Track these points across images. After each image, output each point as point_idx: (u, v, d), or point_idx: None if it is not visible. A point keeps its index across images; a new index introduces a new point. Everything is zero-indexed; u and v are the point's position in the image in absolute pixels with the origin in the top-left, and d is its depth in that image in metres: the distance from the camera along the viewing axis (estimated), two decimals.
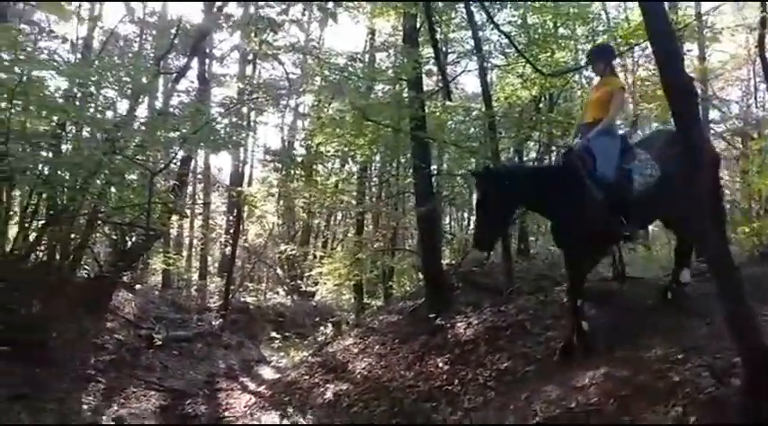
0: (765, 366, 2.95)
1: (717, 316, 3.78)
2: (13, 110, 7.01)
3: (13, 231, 7.89)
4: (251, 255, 15.51)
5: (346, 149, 10.42)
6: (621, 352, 4.28)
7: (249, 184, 15.67)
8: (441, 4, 8.53)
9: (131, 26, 11.41)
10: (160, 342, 8.90)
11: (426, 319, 6.77)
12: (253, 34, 7.61)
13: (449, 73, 9.61)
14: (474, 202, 4.82)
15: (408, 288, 10.63)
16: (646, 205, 4.65)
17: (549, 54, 8.14)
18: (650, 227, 7.58)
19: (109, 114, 8.72)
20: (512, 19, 9.06)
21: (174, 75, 11.05)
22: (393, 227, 12.61)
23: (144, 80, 8.55)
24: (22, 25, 8.22)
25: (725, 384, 3.34)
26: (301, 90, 12.51)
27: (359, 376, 6.45)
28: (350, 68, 7.93)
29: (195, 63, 11.53)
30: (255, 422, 6.25)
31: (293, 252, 14.71)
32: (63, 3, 5.31)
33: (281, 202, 15.32)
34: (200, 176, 17.25)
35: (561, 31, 8.86)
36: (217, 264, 16.67)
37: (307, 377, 7.06)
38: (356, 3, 8.86)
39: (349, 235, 15.73)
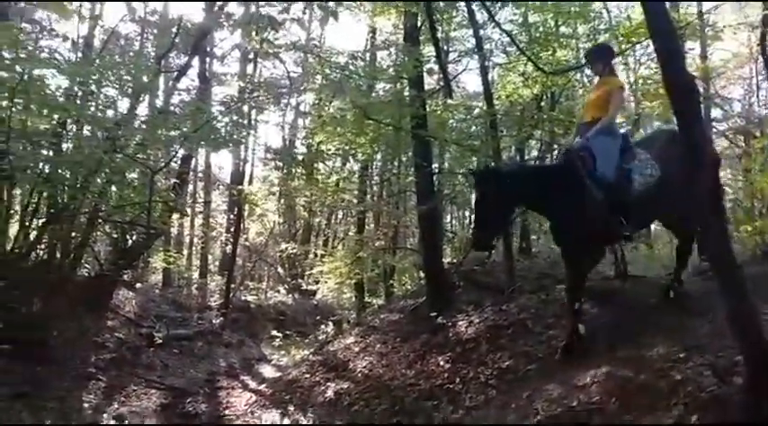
0: (767, 364, 2.94)
1: (719, 315, 3.78)
2: (13, 109, 6.99)
3: (13, 229, 7.89)
4: (252, 254, 15.51)
5: (347, 148, 10.42)
6: (623, 351, 4.28)
7: (250, 183, 15.66)
8: (442, 2, 8.51)
9: (132, 25, 11.36)
10: (161, 341, 8.90)
11: (427, 318, 6.77)
12: (254, 33, 7.58)
13: (450, 71, 9.60)
14: (473, 202, 4.80)
15: (409, 287, 10.63)
16: (646, 205, 4.63)
17: (550, 52, 8.13)
18: (652, 226, 7.55)
19: (110, 113, 8.71)
20: (513, 17, 9.06)
21: (175, 73, 11.02)
22: (394, 226, 12.60)
23: (145, 79, 8.53)
24: (23, 24, 8.19)
25: (727, 382, 3.33)
26: (302, 88, 12.46)
27: (360, 374, 6.45)
28: (351, 67, 7.91)
29: (196, 62, 11.50)
30: (256, 421, 6.25)
31: (294, 250, 14.71)
32: (65, 2, 5.31)
33: (282, 201, 15.30)
34: (200, 175, 17.23)
35: (563, 29, 8.85)
36: (217, 263, 16.66)
37: (307, 376, 7.06)
38: (357, 2, 8.85)
39: (350, 233, 15.71)
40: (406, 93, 8.01)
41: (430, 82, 9.18)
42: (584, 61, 6.31)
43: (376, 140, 9.17)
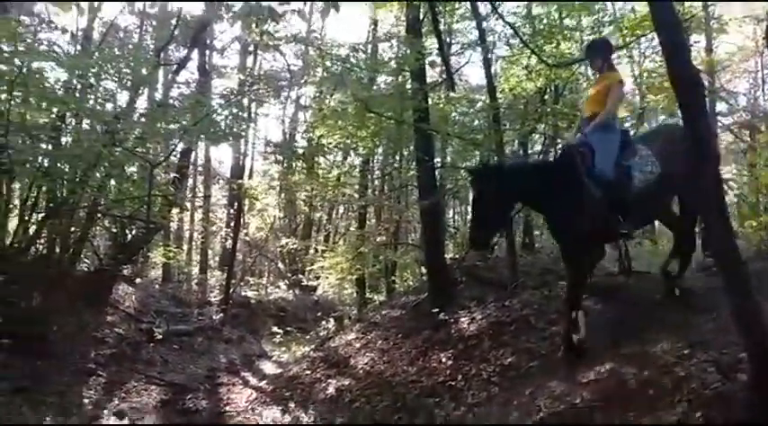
0: None
1: (723, 311, 3.74)
2: (12, 102, 6.98)
3: (12, 224, 7.89)
4: (252, 249, 15.46)
5: (348, 141, 10.37)
6: (627, 347, 4.24)
7: (250, 177, 15.62)
8: None
9: (131, 17, 11.35)
10: (161, 336, 8.89)
11: (429, 314, 6.73)
12: (254, 25, 7.51)
13: (452, 64, 9.53)
14: (470, 200, 4.74)
15: (411, 283, 10.60)
16: (646, 202, 4.57)
17: (554, 45, 8.06)
18: (656, 222, 7.48)
19: (109, 106, 8.67)
20: (516, 9, 8.97)
21: (175, 66, 10.98)
22: (396, 221, 12.55)
23: (144, 71, 8.50)
24: (21, 16, 8.13)
25: (731, 379, 3.30)
26: (303, 81, 12.41)
27: (361, 371, 6.43)
28: (352, 59, 7.85)
29: (195, 54, 11.47)
30: (257, 417, 6.23)
31: (295, 245, 14.68)
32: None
33: (283, 195, 15.25)
34: (200, 168, 17.18)
35: (566, 21, 8.74)
36: (217, 258, 16.64)
37: (308, 372, 7.04)
38: None
39: (351, 228, 15.68)
40: (408, 86, 7.95)
41: (432, 74, 9.09)
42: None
43: (377, 134, 9.12)
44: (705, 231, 4.86)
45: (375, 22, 12.13)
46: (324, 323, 11.79)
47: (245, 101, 10.37)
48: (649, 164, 4.59)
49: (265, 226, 15.30)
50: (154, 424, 6.20)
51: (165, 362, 8.35)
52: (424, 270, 9.05)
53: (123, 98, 9.17)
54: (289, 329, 12.05)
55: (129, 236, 9.86)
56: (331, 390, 6.23)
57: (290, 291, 14.84)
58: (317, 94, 11.52)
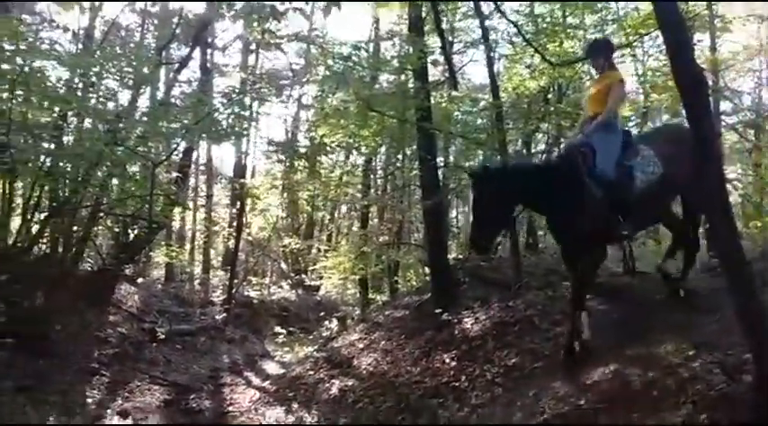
0: None
1: (728, 312, 3.72)
2: (14, 101, 6.97)
3: (15, 223, 7.88)
4: (254, 249, 15.44)
5: (351, 141, 10.34)
6: (631, 348, 4.22)
7: (252, 176, 15.58)
8: None
9: (133, 16, 11.30)
10: (163, 336, 8.89)
11: (433, 314, 6.70)
12: (255, 23, 7.51)
13: (455, 62, 9.52)
14: (470, 202, 4.71)
15: (414, 283, 10.59)
16: (647, 203, 4.53)
17: (557, 44, 8.01)
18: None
19: (110, 105, 8.62)
20: (519, 8, 8.93)
21: (176, 65, 10.97)
22: (398, 221, 12.53)
23: (145, 70, 8.47)
24: (23, 15, 8.13)
25: (736, 380, 3.29)
26: (304, 80, 12.40)
27: (364, 371, 6.42)
28: (354, 58, 7.80)
29: (197, 53, 11.46)
30: (260, 418, 6.22)
31: (297, 245, 14.66)
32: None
33: (285, 195, 15.23)
34: (202, 168, 17.18)
35: (570, 20, 8.71)
36: (220, 258, 16.62)
37: (312, 373, 7.03)
38: None
39: (354, 228, 15.67)
40: (411, 85, 7.92)
41: (434, 73, 9.07)
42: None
43: (380, 133, 9.08)
44: (709, 231, 4.84)
45: (377, 21, 12.11)
46: (327, 323, 11.77)
47: (247, 99, 10.32)
48: (651, 164, 4.56)
49: (268, 225, 15.28)
50: (157, 424, 6.20)
51: (168, 362, 8.35)
52: (427, 270, 9.03)
53: (125, 97, 9.17)
54: (291, 329, 12.04)
55: (132, 236, 9.86)
56: (334, 390, 6.23)
57: (293, 291, 14.82)
58: (319, 93, 11.45)
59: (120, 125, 8.03)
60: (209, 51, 12.38)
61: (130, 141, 8.24)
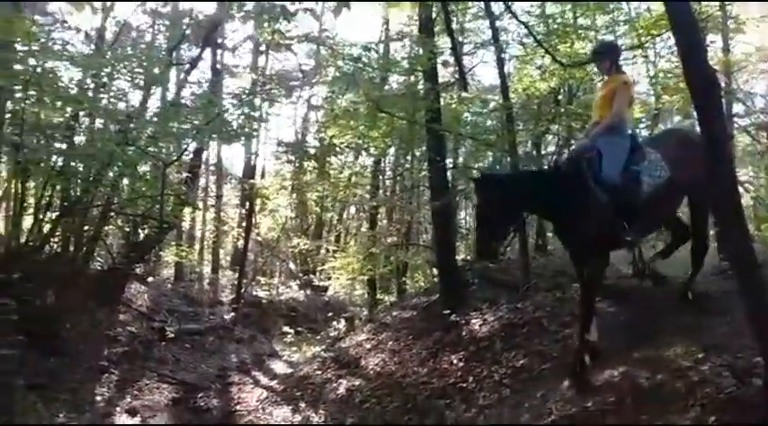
0: None
1: (738, 315, 3.68)
2: (27, 102, 7.03)
3: (27, 222, 7.95)
4: (263, 249, 15.51)
5: (360, 142, 10.36)
6: (640, 351, 4.19)
7: (262, 177, 15.64)
8: None
9: (144, 17, 11.39)
10: (172, 335, 8.96)
11: (441, 315, 6.69)
12: (266, 24, 7.54)
13: (465, 63, 9.50)
14: (474, 210, 4.67)
15: (422, 284, 10.57)
16: (654, 208, 4.48)
17: (568, 44, 7.95)
18: None
19: (122, 105, 8.71)
20: (530, 8, 8.87)
21: (187, 66, 11.05)
22: (407, 222, 12.53)
23: (156, 71, 8.54)
24: (36, 16, 8.20)
25: (745, 383, 3.25)
26: (314, 81, 12.45)
27: (372, 371, 6.43)
28: (364, 59, 7.81)
29: (207, 54, 11.54)
30: (268, 417, 6.25)
31: (306, 245, 14.70)
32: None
33: (294, 195, 15.28)
34: (212, 168, 17.26)
35: (581, 20, 8.65)
36: (229, 258, 16.71)
37: (319, 373, 7.05)
38: None
39: (362, 229, 15.68)
40: (420, 86, 7.92)
41: (444, 74, 9.07)
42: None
43: (389, 134, 9.09)
44: (721, 234, 4.79)
45: (387, 22, 12.11)
46: (335, 323, 11.78)
47: (257, 100, 10.38)
48: (658, 168, 4.49)
49: (277, 226, 15.35)
50: (165, 424, 6.24)
51: (177, 361, 8.41)
52: (435, 271, 9.01)
53: (136, 97, 9.25)
54: (300, 329, 12.07)
55: (142, 235, 9.94)
56: (341, 390, 6.24)
57: (301, 291, 14.86)
58: (329, 94, 11.49)
59: (131, 125, 8.09)
60: (219, 52, 12.45)
61: (141, 141, 8.30)
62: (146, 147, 8.37)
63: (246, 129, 9.40)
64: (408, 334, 6.87)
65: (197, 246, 16.51)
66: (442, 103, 7.68)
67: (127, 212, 9.40)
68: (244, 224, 13.31)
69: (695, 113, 3.32)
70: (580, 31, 8.33)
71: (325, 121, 11.49)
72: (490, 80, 13.48)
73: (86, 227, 8.50)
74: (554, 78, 8.08)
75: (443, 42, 8.53)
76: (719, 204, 3.20)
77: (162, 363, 8.09)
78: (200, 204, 15.12)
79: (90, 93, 8.18)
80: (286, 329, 11.91)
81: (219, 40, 11.93)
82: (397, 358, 6.44)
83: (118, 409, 6.32)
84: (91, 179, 7.99)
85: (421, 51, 7.62)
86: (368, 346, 7.24)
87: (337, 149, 12.14)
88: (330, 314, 12.61)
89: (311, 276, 15.07)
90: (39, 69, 6.82)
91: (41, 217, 7.73)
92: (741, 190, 6.25)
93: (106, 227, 9.32)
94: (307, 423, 5.85)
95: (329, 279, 14.05)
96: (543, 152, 9.45)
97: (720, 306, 4.45)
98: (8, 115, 7.33)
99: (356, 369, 6.66)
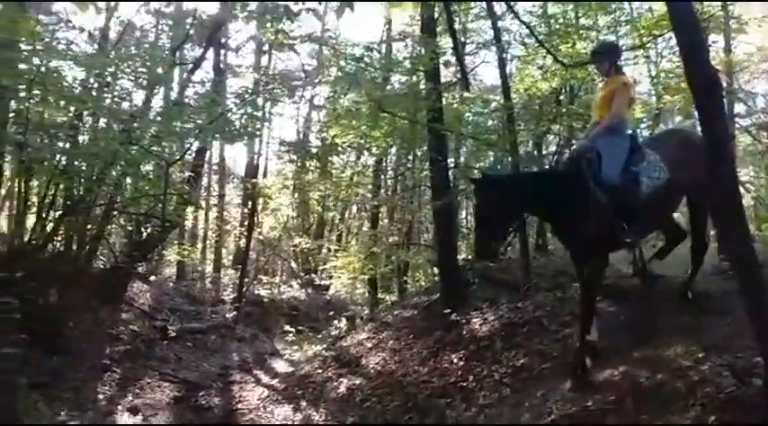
0: None
1: (738, 315, 3.69)
2: (31, 101, 7.05)
3: (30, 221, 7.97)
4: (265, 248, 15.54)
5: (362, 141, 10.38)
6: (640, 350, 4.20)
7: (264, 176, 15.68)
8: None
9: (147, 16, 11.42)
10: (174, 334, 8.99)
11: (441, 315, 6.71)
12: (268, 24, 7.55)
13: (467, 64, 9.50)
14: (474, 211, 4.67)
15: (423, 283, 10.59)
16: (653, 209, 4.48)
17: (570, 45, 7.96)
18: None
19: (125, 105, 8.76)
20: (532, 9, 8.89)
21: (190, 65, 11.07)
22: (408, 221, 12.55)
23: (160, 71, 8.56)
24: (40, 15, 8.23)
25: (746, 383, 3.25)
26: (317, 81, 12.46)
27: (372, 370, 6.45)
28: (366, 59, 7.83)
29: (210, 54, 11.55)
30: (269, 415, 6.27)
31: (307, 245, 14.73)
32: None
33: (296, 195, 15.31)
34: (215, 167, 17.31)
35: (583, 21, 8.67)
36: (231, 256, 16.75)
37: (320, 371, 7.07)
38: None
39: (364, 228, 15.70)
40: (422, 86, 7.92)
41: (446, 74, 9.07)
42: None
43: (391, 134, 9.11)
44: (722, 234, 4.79)
45: (389, 22, 12.13)
46: (336, 322, 11.81)
47: (260, 100, 10.42)
48: (657, 169, 4.49)
49: (279, 225, 15.37)
50: (167, 423, 6.26)
51: (179, 359, 8.44)
52: (436, 270, 9.02)
53: (139, 97, 9.28)
54: (301, 328, 12.10)
55: (145, 234, 9.96)
56: (342, 389, 6.26)
57: (303, 290, 14.90)
58: (332, 94, 11.52)
59: (135, 125, 8.12)
60: (222, 52, 12.46)
61: (144, 141, 8.33)
62: (149, 147, 8.39)
63: (249, 129, 9.43)
64: (409, 333, 6.89)
65: (199, 245, 16.56)
66: (443, 103, 7.69)
67: (130, 211, 9.43)
68: (246, 223, 13.34)
69: (697, 113, 3.31)
70: (582, 32, 8.34)
71: (328, 121, 11.50)
72: (492, 80, 13.48)
73: (89, 226, 8.52)
74: (555, 78, 8.10)
75: (445, 42, 8.54)
76: (721, 204, 3.17)
77: (164, 362, 8.12)
78: (203, 203, 15.17)
79: (94, 93, 8.21)
80: (287, 328, 11.95)
81: (223, 40, 11.96)
82: (397, 357, 6.46)
83: (120, 407, 6.33)
84: (94, 178, 8.02)
85: (423, 51, 7.62)
86: (369, 345, 7.26)
87: (339, 149, 12.15)
88: (331, 313, 12.65)
89: (313, 275, 15.11)
90: (43, 69, 6.84)
91: (45, 215, 7.76)
92: (742, 190, 6.26)
93: (109, 226, 9.35)
94: (308, 422, 5.87)
95: (330, 278, 14.08)
96: (544, 152, 9.46)
97: (721, 306, 4.45)
98: (12, 114, 7.35)
99: (357, 368, 6.68)
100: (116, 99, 8.69)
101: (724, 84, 7.50)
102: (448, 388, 5.26)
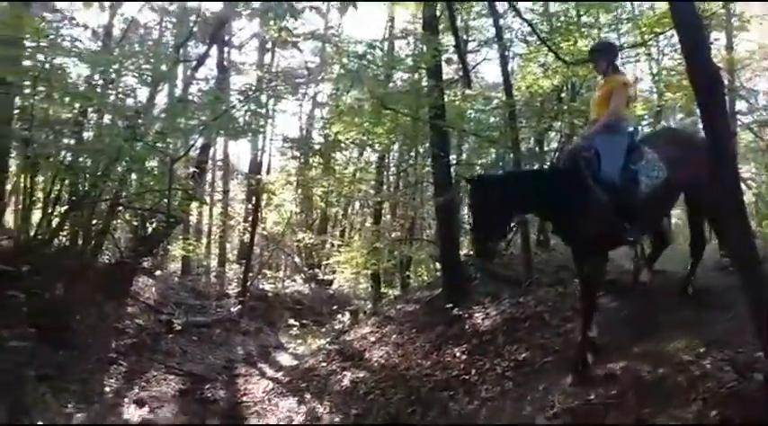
0: None
1: (739, 310, 3.70)
2: (36, 97, 7.09)
3: (36, 216, 8.03)
4: (269, 243, 15.60)
5: (364, 138, 10.41)
6: (642, 345, 4.22)
7: (268, 172, 15.73)
8: None
9: (151, 14, 11.45)
10: (179, 328, 9.04)
11: (444, 309, 6.76)
12: (272, 22, 7.58)
13: (469, 61, 9.52)
14: (470, 211, 4.68)
15: (426, 278, 10.63)
16: (652, 208, 4.51)
17: (571, 42, 7.97)
18: (673, 220, 7.44)
19: (129, 101, 8.77)
20: (534, 6, 8.91)
21: (194, 62, 11.08)
22: (411, 217, 12.59)
23: (164, 67, 8.57)
24: (44, 13, 8.27)
25: (747, 378, 3.27)
26: (320, 78, 12.47)
27: (376, 364, 6.49)
28: (369, 56, 7.83)
29: (214, 51, 11.56)
30: (273, 408, 6.32)
31: (311, 240, 14.79)
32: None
33: (300, 191, 15.37)
34: (219, 164, 17.37)
35: (584, 18, 8.67)
36: (235, 251, 16.82)
37: (324, 365, 7.12)
38: None
39: (367, 224, 15.74)
40: (425, 83, 7.94)
41: (448, 72, 9.09)
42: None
43: (393, 130, 9.14)
44: (723, 230, 4.82)
45: (392, 20, 12.15)
46: (339, 316, 11.89)
47: (264, 97, 10.43)
48: (656, 168, 4.49)
49: (282, 220, 15.43)
50: (173, 416, 6.33)
51: (184, 353, 8.49)
52: (438, 265, 9.07)
53: (144, 94, 9.30)
54: (305, 322, 12.16)
55: (150, 229, 10.01)
56: (346, 382, 6.31)
57: (307, 285, 14.97)
58: (334, 91, 11.56)
59: (139, 121, 8.16)
60: (226, 49, 12.49)
61: (149, 137, 8.37)
62: (153, 143, 8.44)
63: (253, 126, 9.43)
64: (412, 328, 6.93)
65: (204, 240, 16.64)
66: (445, 100, 7.69)
67: (135, 206, 9.48)
68: (250, 218, 13.40)
69: (698, 111, 3.33)
70: (583, 29, 8.34)
71: (331, 118, 11.54)
72: (493, 77, 13.55)
73: (95, 221, 8.56)
74: (557, 76, 8.12)
75: (447, 40, 8.56)
76: (722, 201, 3.19)
77: (169, 355, 8.17)
78: (207, 199, 15.25)
79: (98, 90, 8.23)
80: (291, 322, 12.01)
81: (226, 38, 11.98)
82: (400, 350, 6.51)
83: (126, 400, 6.39)
84: (99, 174, 8.05)
85: (425, 49, 7.63)
86: (372, 339, 7.31)
87: (342, 145, 12.20)
88: (335, 307, 12.73)
89: (316, 270, 15.15)
90: (47, 65, 6.87)
91: (50, 211, 7.80)
92: (743, 186, 6.29)
93: (114, 221, 9.39)
94: (312, 415, 5.93)
95: (334, 272, 14.12)
96: (546, 149, 9.49)
97: (722, 302, 4.45)
98: (17, 111, 7.40)
99: (360, 362, 6.73)
100: (120, 95, 8.70)
101: (726, 82, 7.52)
102: (450, 382, 5.29)
